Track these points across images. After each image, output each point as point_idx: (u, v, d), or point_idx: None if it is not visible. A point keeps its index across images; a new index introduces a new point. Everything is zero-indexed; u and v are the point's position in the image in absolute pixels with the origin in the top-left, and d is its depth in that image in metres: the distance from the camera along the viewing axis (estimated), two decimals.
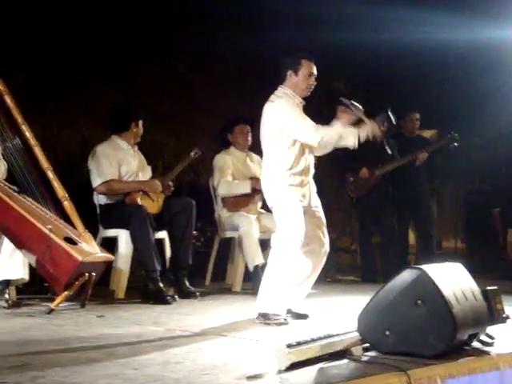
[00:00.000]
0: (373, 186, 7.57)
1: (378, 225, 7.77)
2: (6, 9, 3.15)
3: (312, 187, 4.73)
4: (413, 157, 7.54)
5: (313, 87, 4.65)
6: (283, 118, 4.53)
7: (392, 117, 4.49)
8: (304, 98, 4.70)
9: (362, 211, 7.88)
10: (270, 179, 4.63)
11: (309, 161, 4.66)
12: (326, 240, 4.73)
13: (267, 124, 4.61)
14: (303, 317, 4.68)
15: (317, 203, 4.74)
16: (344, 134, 4.47)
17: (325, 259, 4.76)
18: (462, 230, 10.10)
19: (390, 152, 7.53)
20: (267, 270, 4.52)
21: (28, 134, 5.05)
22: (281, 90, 4.64)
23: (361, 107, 4.53)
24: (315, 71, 4.63)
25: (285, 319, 4.41)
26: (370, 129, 4.51)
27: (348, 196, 8.01)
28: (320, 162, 6.20)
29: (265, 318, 4.40)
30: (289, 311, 4.66)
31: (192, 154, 6.42)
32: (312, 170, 4.72)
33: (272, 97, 4.64)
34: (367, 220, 7.81)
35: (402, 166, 7.54)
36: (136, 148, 6.14)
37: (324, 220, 4.74)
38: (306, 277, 4.72)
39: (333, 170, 8.42)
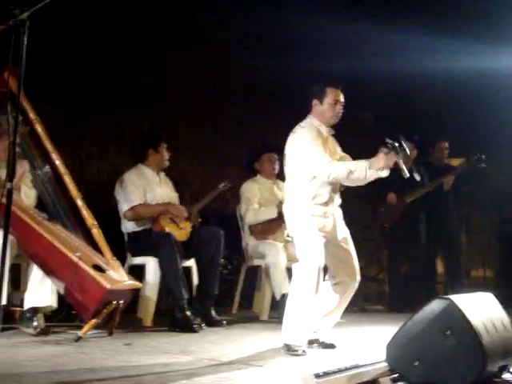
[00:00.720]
0: (403, 213, 7.52)
1: (408, 253, 7.69)
2: (32, 35, 3.21)
3: (338, 218, 4.66)
4: (440, 181, 7.50)
5: (340, 115, 4.61)
6: (301, 149, 4.50)
7: (405, 145, 4.35)
8: (333, 127, 4.68)
9: (391, 239, 7.81)
10: (291, 208, 4.61)
11: (333, 192, 4.61)
12: (356, 273, 4.64)
13: (289, 154, 4.60)
14: (330, 346, 4.65)
15: (344, 234, 4.66)
16: (353, 168, 4.37)
17: (354, 291, 4.69)
18: (495, 259, 10.00)
19: (418, 179, 7.62)
20: (288, 300, 4.49)
21: (58, 161, 5.10)
22: (307, 120, 4.63)
23: (407, 148, 4.40)
24: (342, 99, 4.59)
25: (303, 351, 4.35)
26: (383, 163, 4.37)
27: (379, 225, 7.98)
28: (347, 191, 6.20)
29: (286, 348, 4.37)
30: (316, 341, 4.65)
31: (221, 186, 6.49)
32: (338, 201, 4.68)
33: (296, 127, 4.62)
34: (397, 248, 7.74)
35: (431, 192, 7.51)
36: (163, 175, 6.17)
37: (353, 251, 4.66)
38: (333, 307, 4.67)
39: (360, 200, 8.40)
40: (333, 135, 4.74)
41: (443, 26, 7.79)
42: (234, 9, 7.30)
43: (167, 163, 6.13)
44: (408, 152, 4.41)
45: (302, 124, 4.62)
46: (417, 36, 7.75)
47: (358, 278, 4.65)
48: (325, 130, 4.63)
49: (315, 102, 4.60)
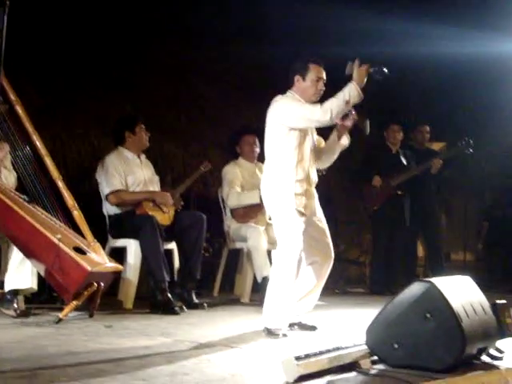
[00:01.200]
0: (388, 196, 7.53)
1: (392, 236, 7.69)
2: (16, 19, 3.16)
3: (315, 198, 4.64)
4: (427, 165, 7.52)
5: (322, 92, 4.51)
6: (288, 110, 4.41)
7: (384, 69, 4.27)
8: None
9: (376, 222, 7.82)
10: (271, 186, 4.52)
11: (312, 169, 4.58)
12: (331, 251, 4.65)
13: (271, 123, 4.49)
14: (311, 328, 4.65)
15: (320, 214, 4.67)
16: (346, 95, 4.22)
17: (329, 270, 4.69)
18: (481, 241, 10.09)
19: (405, 162, 7.64)
20: (269, 284, 4.47)
21: (38, 143, 5.07)
22: (288, 94, 4.53)
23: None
24: (324, 76, 4.50)
25: (284, 334, 4.34)
26: (362, 72, 4.25)
27: (362, 207, 7.99)
28: (329, 173, 6.20)
29: (267, 332, 4.35)
30: (297, 324, 4.64)
31: (202, 167, 6.49)
32: (315, 180, 4.64)
33: (276, 97, 4.53)
34: (382, 231, 7.75)
35: (415, 176, 7.54)
36: (144, 157, 6.14)
37: (327, 231, 4.67)
38: (311, 288, 4.67)
39: (342, 182, 8.43)
40: None
41: (425, 11, 7.80)
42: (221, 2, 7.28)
43: (146, 144, 6.09)
44: (386, 71, 4.32)
45: (282, 95, 4.53)
46: (398, 21, 7.75)
47: (333, 255, 4.65)
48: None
49: (297, 77, 4.50)
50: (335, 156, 4.71)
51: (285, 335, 4.33)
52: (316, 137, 4.70)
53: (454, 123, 9.31)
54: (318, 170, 6.55)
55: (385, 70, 4.25)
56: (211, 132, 8.03)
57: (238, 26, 7.93)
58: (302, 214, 4.43)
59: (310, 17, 7.72)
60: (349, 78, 4.26)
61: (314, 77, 4.46)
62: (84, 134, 6.96)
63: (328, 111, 4.26)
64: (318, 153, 4.67)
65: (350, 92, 4.21)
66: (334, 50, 7.45)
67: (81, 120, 6.98)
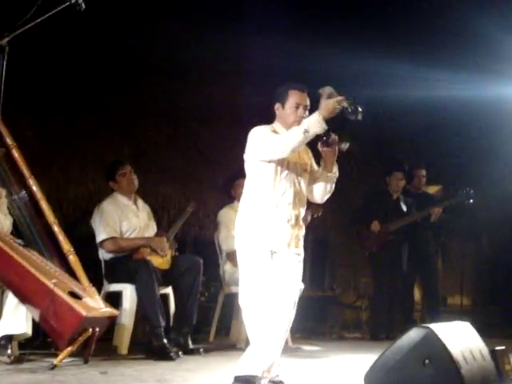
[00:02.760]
0: (385, 241, 7.54)
1: (390, 280, 7.67)
2: (14, 61, 3.19)
3: (296, 232, 4.20)
4: (427, 212, 7.57)
5: (303, 119, 4.13)
6: (254, 142, 4.16)
7: (358, 107, 3.98)
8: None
9: (375, 266, 7.81)
10: (240, 221, 4.21)
11: (296, 206, 4.18)
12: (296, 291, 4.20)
13: (245, 155, 4.26)
14: None
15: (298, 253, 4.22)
16: (306, 125, 3.97)
17: (292, 315, 4.17)
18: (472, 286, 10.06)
19: (405, 209, 7.68)
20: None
21: (35, 187, 5.06)
22: (267, 125, 4.25)
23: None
24: (306, 102, 4.22)
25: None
26: (329, 104, 3.97)
27: (359, 251, 7.98)
28: (326, 215, 6.19)
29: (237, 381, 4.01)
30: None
31: (189, 208, 6.49)
32: (297, 211, 4.20)
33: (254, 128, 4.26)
34: (380, 275, 7.73)
35: (414, 222, 7.59)
36: (141, 202, 6.14)
37: (300, 271, 4.22)
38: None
39: (339, 224, 8.42)
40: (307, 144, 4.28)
41: (420, 55, 7.88)
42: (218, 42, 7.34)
43: (134, 187, 6.06)
44: (360, 109, 4.01)
45: (260, 126, 4.26)
46: (392, 63, 7.81)
47: (293, 308, 4.17)
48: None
49: (277, 105, 4.24)
50: (328, 188, 4.34)
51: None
52: (314, 167, 4.40)
53: (449, 167, 9.34)
54: (314, 211, 6.58)
55: (359, 109, 3.99)
56: (208, 174, 8.04)
57: (235, 66, 7.99)
58: (270, 250, 4.10)
59: (299, 58, 7.76)
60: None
61: (293, 103, 4.19)
62: (80, 177, 6.96)
63: (284, 142, 4.02)
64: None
65: (310, 122, 3.96)
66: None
67: (77, 163, 6.98)
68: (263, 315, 4.02)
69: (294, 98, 4.19)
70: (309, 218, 6.54)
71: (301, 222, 4.24)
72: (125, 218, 5.93)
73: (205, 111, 8.09)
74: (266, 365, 4.02)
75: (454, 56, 8.02)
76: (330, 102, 3.96)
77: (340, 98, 3.98)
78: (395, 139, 9.39)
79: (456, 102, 8.27)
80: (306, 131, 3.94)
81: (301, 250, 4.23)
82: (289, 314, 4.11)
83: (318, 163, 4.37)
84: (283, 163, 4.14)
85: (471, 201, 7.49)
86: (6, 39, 3.26)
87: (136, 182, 6.07)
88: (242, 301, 4.15)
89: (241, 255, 4.17)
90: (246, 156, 4.25)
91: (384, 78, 8.12)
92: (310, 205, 6.05)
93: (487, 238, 10.11)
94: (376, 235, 7.56)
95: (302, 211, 4.26)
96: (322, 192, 4.35)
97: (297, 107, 4.18)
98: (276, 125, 4.26)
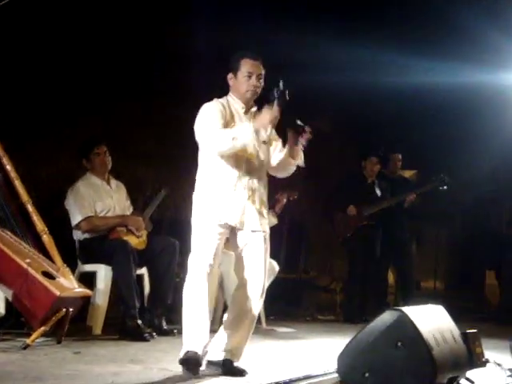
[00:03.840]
0: (359, 226, 7.58)
1: (363, 264, 7.70)
2: None
3: (257, 213, 4.06)
4: (401, 198, 7.63)
5: (256, 89, 4.08)
6: (197, 124, 4.04)
7: (282, 87, 3.84)
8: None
9: (349, 250, 7.85)
10: (195, 192, 4.13)
11: (252, 173, 4.07)
12: (264, 269, 4.06)
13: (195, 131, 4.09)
14: (240, 373, 3.93)
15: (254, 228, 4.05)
16: (236, 133, 3.87)
17: (258, 303, 4.08)
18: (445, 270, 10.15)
19: (379, 193, 7.72)
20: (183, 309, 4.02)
21: (8, 166, 5.02)
22: (220, 99, 4.14)
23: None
24: (260, 71, 4.07)
25: (196, 358, 3.81)
26: (263, 120, 3.91)
27: (334, 234, 8.00)
28: (303, 198, 6.18)
29: (180, 361, 3.86)
30: (218, 362, 4.03)
31: (163, 191, 6.43)
32: (258, 188, 4.09)
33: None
34: (354, 259, 7.77)
35: (388, 207, 7.63)
36: (115, 183, 6.11)
37: (263, 247, 4.07)
38: (237, 317, 4.09)
39: (316, 208, 8.43)
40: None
41: (397, 41, 7.88)
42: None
43: (107, 168, 6.04)
44: (287, 97, 3.86)
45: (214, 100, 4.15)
46: (371, 49, 7.82)
47: (259, 295, 4.06)
48: (240, 106, 4.12)
49: (230, 75, 4.12)
50: (289, 172, 4.23)
51: (197, 361, 3.82)
52: (275, 139, 4.21)
53: (425, 152, 9.38)
54: (289, 194, 6.58)
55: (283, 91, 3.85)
56: (184, 156, 8.00)
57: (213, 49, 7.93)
58: (226, 225, 4.01)
59: (294, 45, 7.72)
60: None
61: (245, 72, 4.04)
62: (54, 157, 6.90)
63: (217, 143, 3.93)
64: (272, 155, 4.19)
65: (244, 133, 3.87)
66: (313, 76, 7.52)
67: (51, 143, 6.92)
68: (200, 290, 3.93)
69: (246, 66, 4.06)
70: (284, 201, 6.56)
71: (262, 197, 4.12)
72: (98, 199, 5.90)
73: (185, 95, 8.03)
74: (203, 341, 3.91)
75: (432, 42, 8.03)
76: (267, 116, 3.89)
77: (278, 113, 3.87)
78: (371, 124, 9.41)
79: (434, 88, 8.29)
80: (235, 139, 3.85)
81: (261, 227, 4.07)
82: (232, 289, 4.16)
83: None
84: None
85: (445, 187, 7.55)
86: None
87: (109, 164, 6.04)
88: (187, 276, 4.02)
89: (193, 230, 4.06)
90: (195, 130, 4.08)
91: (361, 64, 8.12)
92: (286, 187, 6.07)
93: (461, 222, 10.18)
94: (350, 220, 7.59)
95: (261, 184, 4.11)
96: (282, 169, 4.21)
97: (249, 76, 4.05)
98: (230, 97, 4.15)
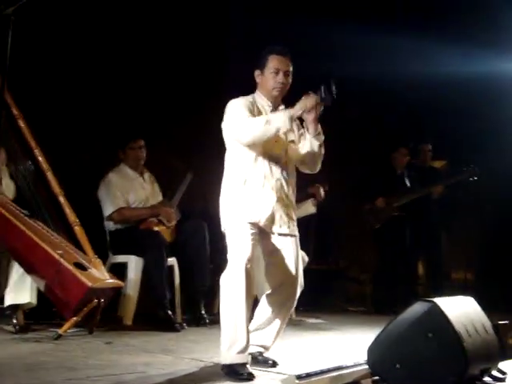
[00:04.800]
0: (389, 217, 7.57)
1: (393, 255, 7.69)
2: (21, 31, 3.17)
3: (287, 211, 3.98)
4: (430, 189, 7.61)
5: (284, 86, 3.97)
6: (225, 120, 3.94)
7: (333, 88, 3.76)
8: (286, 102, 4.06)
9: (379, 241, 7.84)
10: (222, 192, 4.00)
11: (281, 171, 3.96)
12: (295, 281, 3.96)
13: (223, 129, 4.01)
14: (272, 365, 3.93)
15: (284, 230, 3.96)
16: (270, 118, 3.78)
17: (291, 306, 4.05)
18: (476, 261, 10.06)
19: (408, 184, 7.70)
20: (220, 313, 3.81)
21: (40, 158, 5.09)
22: (248, 96, 4.03)
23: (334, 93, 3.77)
24: (288, 67, 3.96)
25: (249, 373, 3.59)
26: (303, 104, 3.82)
27: (363, 225, 7.99)
28: (332, 190, 6.15)
29: (226, 370, 3.65)
30: (255, 356, 3.97)
31: (188, 175, 6.44)
32: (285, 186, 3.98)
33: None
34: (384, 250, 7.76)
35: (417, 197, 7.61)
36: (147, 175, 6.16)
37: (294, 252, 3.96)
38: (268, 320, 4.03)
39: (345, 199, 8.41)
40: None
41: (427, 28, 7.82)
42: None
43: (140, 163, 6.14)
44: (335, 95, 3.78)
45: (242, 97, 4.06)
46: (401, 39, 7.77)
47: (298, 288, 3.99)
48: (266, 104, 4.01)
49: (257, 72, 4.01)
50: (317, 153, 3.99)
51: (250, 376, 3.58)
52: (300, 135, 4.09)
53: (456, 142, 9.30)
54: (320, 186, 6.55)
55: (332, 88, 3.76)
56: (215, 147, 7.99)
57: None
58: (256, 226, 3.87)
59: (316, 33, 7.71)
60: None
61: (272, 68, 3.93)
62: (86, 148, 6.93)
63: (249, 131, 3.80)
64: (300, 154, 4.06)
65: (275, 115, 3.82)
66: (343, 65, 7.48)
67: (83, 135, 6.96)
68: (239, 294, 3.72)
69: (273, 62, 3.94)
70: (322, 194, 6.52)
71: (291, 200, 4.02)
72: (131, 190, 5.96)
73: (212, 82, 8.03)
74: (245, 348, 3.70)
75: (463, 31, 7.95)
76: (303, 102, 3.80)
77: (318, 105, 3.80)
78: (400, 114, 9.35)
79: (467, 78, 8.22)
80: (268, 122, 3.74)
81: (289, 230, 3.96)
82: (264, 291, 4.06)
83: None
84: None
85: (475, 178, 7.49)
86: (12, 8, 3.24)
87: (144, 158, 6.10)
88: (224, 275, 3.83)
89: (226, 231, 3.91)
90: (223, 128, 4.00)
91: (391, 52, 8.07)
92: (316, 181, 6.04)
93: (492, 212, 10.08)
94: (379, 210, 7.58)
95: (289, 187, 4.01)
96: (311, 160, 4.04)
97: (276, 73, 3.93)
98: (257, 94, 4.05)
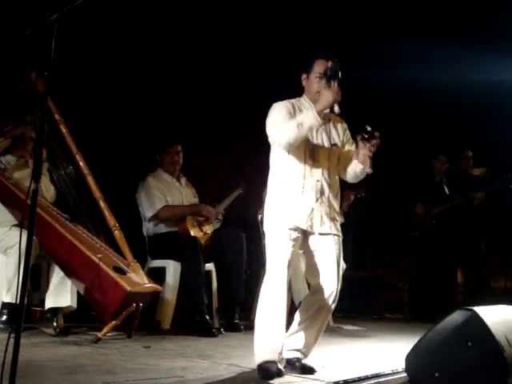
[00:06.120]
0: (428, 224, 7.54)
1: (432, 263, 7.65)
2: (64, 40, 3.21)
3: (324, 210, 3.94)
4: (470, 197, 7.57)
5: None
6: (266, 122, 3.94)
7: (337, 68, 3.79)
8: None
9: (417, 249, 7.81)
10: (266, 197, 4.02)
11: (323, 175, 3.95)
12: (337, 274, 3.93)
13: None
14: (309, 371, 3.89)
15: (330, 242, 3.95)
16: (301, 118, 3.77)
17: (331, 308, 3.98)
18: None
19: (447, 191, 7.66)
20: (256, 315, 3.89)
21: (81, 163, 5.14)
22: (293, 99, 4.04)
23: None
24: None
25: (278, 369, 3.67)
26: (325, 97, 3.76)
27: (403, 233, 7.97)
28: (369, 197, 6.13)
29: (258, 369, 3.72)
30: (292, 362, 3.97)
31: (239, 189, 6.54)
32: (325, 189, 3.94)
33: None
34: (423, 258, 7.72)
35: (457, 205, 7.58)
36: (184, 180, 6.22)
37: (336, 251, 3.95)
38: (309, 319, 4.02)
39: (382, 206, 8.38)
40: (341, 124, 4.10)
41: (469, 38, 7.77)
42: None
43: (176, 168, 6.22)
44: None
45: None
46: (442, 47, 7.73)
47: (335, 287, 3.93)
48: (310, 107, 3.92)
49: (303, 76, 4.04)
50: (359, 177, 4.06)
51: (279, 372, 3.67)
52: (347, 142, 4.11)
53: (495, 149, 9.22)
54: (357, 192, 6.55)
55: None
56: (254, 155, 8.01)
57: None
58: (296, 229, 3.88)
59: (359, 43, 7.70)
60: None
61: (317, 73, 3.94)
62: (125, 152, 6.99)
63: (284, 134, 3.80)
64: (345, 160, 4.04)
65: (307, 116, 3.77)
66: (389, 73, 7.47)
67: (121, 139, 7.02)
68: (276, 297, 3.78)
69: (319, 67, 3.94)
70: (352, 198, 6.54)
71: (332, 200, 3.98)
72: (168, 193, 6.03)
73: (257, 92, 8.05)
74: (278, 347, 3.77)
75: (504, 41, 7.88)
76: (329, 93, 3.75)
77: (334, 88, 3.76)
78: (441, 121, 9.29)
79: (508, 85, 8.16)
80: (301, 124, 3.74)
81: (330, 229, 3.94)
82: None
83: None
84: (308, 138, 3.91)
85: None
86: (55, 15, 3.27)
87: (180, 163, 6.16)
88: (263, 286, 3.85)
89: (266, 235, 3.94)
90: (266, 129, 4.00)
91: (430, 60, 8.04)
92: (354, 186, 6.03)
93: None
94: (419, 218, 7.55)
95: (331, 187, 3.97)
96: (351, 177, 4.08)
97: (321, 77, 3.92)
98: (302, 98, 4.05)
